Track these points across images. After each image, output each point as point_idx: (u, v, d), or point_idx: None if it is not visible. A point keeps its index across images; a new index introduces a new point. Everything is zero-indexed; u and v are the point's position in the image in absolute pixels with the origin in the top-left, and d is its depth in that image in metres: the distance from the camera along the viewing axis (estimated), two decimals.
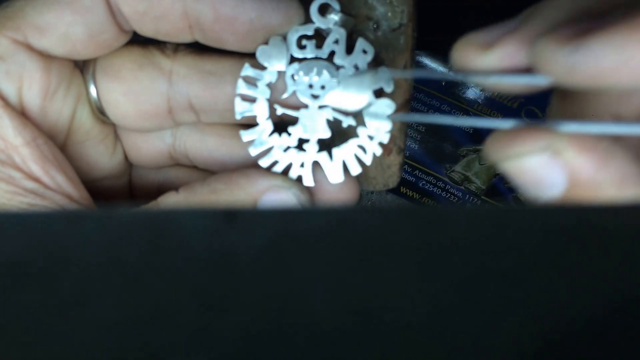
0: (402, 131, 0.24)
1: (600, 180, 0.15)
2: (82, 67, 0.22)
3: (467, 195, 0.36)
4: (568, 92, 0.18)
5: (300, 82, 0.21)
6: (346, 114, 0.21)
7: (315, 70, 0.21)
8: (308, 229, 0.10)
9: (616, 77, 0.14)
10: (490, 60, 0.16)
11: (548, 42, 0.14)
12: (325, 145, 0.21)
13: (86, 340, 0.08)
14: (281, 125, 0.22)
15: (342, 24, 0.21)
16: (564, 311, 0.09)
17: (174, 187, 0.25)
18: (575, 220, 0.11)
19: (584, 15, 0.15)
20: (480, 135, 0.38)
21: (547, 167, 0.15)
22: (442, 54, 0.37)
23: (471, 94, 0.38)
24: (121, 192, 0.26)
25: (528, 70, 0.16)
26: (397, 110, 0.22)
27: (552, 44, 0.14)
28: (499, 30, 0.16)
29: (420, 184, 0.36)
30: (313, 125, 0.21)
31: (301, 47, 0.21)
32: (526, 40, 0.16)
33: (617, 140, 0.16)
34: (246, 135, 0.22)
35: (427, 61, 0.38)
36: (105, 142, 0.24)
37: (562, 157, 0.15)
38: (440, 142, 0.37)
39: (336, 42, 0.21)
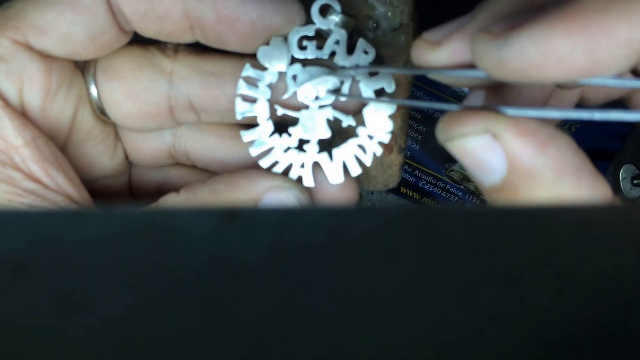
0: (403, 131, 0.24)
1: (538, 166, 0.15)
2: (83, 68, 0.22)
3: (467, 195, 0.36)
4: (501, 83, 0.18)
5: (302, 83, 0.21)
6: (346, 113, 0.21)
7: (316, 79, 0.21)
8: (308, 229, 0.10)
9: (541, 71, 0.14)
10: (440, 57, 0.17)
11: (481, 38, 0.14)
12: (326, 145, 0.21)
13: (86, 340, 0.08)
14: (282, 125, 0.22)
15: (343, 24, 0.21)
16: (564, 311, 0.09)
17: (174, 186, 0.25)
18: (576, 220, 0.11)
19: (525, 9, 0.15)
20: None
21: (487, 150, 0.15)
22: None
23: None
24: (121, 192, 0.26)
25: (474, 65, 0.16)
26: (397, 109, 0.22)
27: (484, 39, 0.14)
28: (450, 27, 0.17)
29: (420, 184, 0.36)
30: (313, 125, 0.21)
31: (302, 47, 0.21)
32: (470, 36, 0.16)
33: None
34: (247, 135, 0.22)
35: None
36: (106, 142, 0.24)
37: (501, 139, 0.15)
38: (440, 142, 0.37)
39: (337, 42, 0.21)
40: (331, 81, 0.21)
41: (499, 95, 0.18)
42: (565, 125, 0.31)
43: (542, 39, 0.13)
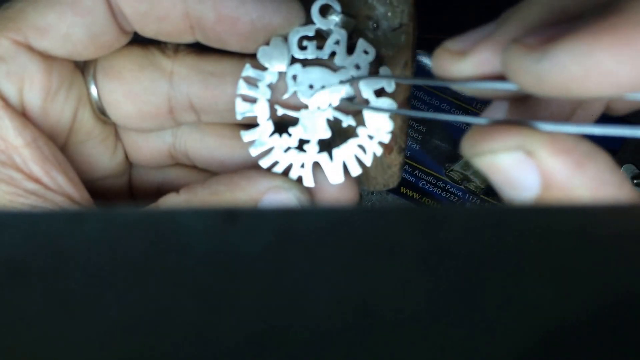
0: (403, 131, 0.24)
1: (575, 186, 0.14)
2: (83, 68, 0.22)
3: (467, 195, 0.36)
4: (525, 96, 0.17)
5: (302, 83, 0.21)
6: (346, 113, 0.21)
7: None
8: (309, 229, 0.10)
9: (583, 86, 0.13)
10: (465, 68, 0.16)
11: (515, 50, 0.14)
12: (326, 145, 0.21)
13: (86, 340, 0.08)
14: (282, 125, 0.22)
15: (343, 24, 0.21)
16: (565, 311, 0.09)
17: (174, 186, 0.25)
18: (576, 220, 0.11)
19: (558, 18, 0.14)
20: None
21: (520, 167, 0.14)
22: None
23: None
24: (121, 192, 0.26)
25: (503, 76, 0.15)
26: (397, 109, 0.22)
27: (519, 51, 0.14)
28: (475, 36, 0.16)
29: (420, 184, 0.36)
30: (313, 125, 0.21)
31: (302, 47, 0.21)
32: (499, 47, 0.15)
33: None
34: (247, 135, 0.22)
35: (427, 60, 0.38)
36: (106, 142, 0.24)
37: (535, 157, 0.14)
38: (439, 142, 0.37)
39: (337, 42, 0.21)
40: (345, 90, 0.21)
41: (523, 107, 0.17)
42: None
43: (584, 53, 0.12)
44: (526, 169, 0.14)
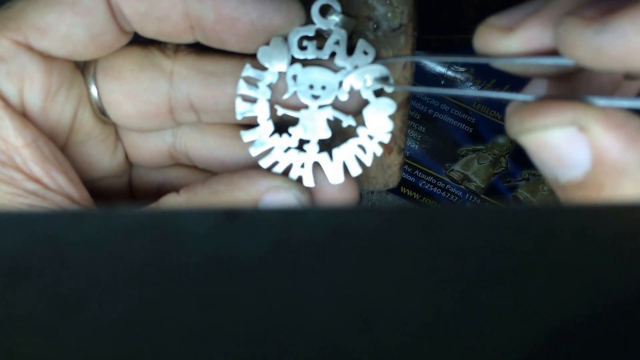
0: (403, 131, 0.24)
1: (627, 162, 0.14)
2: (83, 68, 0.22)
3: (467, 195, 0.36)
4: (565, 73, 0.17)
5: (302, 84, 0.21)
6: (346, 113, 0.21)
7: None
8: (309, 230, 0.10)
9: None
10: (513, 44, 0.15)
11: (572, 23, 0.14)
12: (326, 146, 0.22)
13: (86, 340, 0.08)
14: (282, 125, 0.22)
15: (343, 25, 0.21)
16: (565, 311, 0.09)
17: (174, 186, 0.25)
18: (575, 220, 0.11)
19: None
20: (479, 135, 0.38)
21: (571, 143, 0.14)
22: (442, 54, 0.37)
23: (470, 93, 0.38)
24: (121, 192, 0.26)
25: (552, 52, 0.15)
26: (397, 109, 0.22)
27: (576, 24, 0.13)
28: (521, 11, 0.16)
29: (420, 184, 0.36)
30: (313, 125, 0.21)
31: (302, 48, 0.21)
32: (549, 22, 0.15)
33: None
34: (247, 135, 0.22)
35: (426, 61, 0.38)
36: (106, 142, 0.24)
37: (588, 132, 0.14)
38: (439, 142, 0.37)
39: (337, 43, 0.21)
40: (378, 70, 0.21)
41: (563, 84, 0.17)
42: None
43: None
44: (578, 144, 0.14)
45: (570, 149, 0.14)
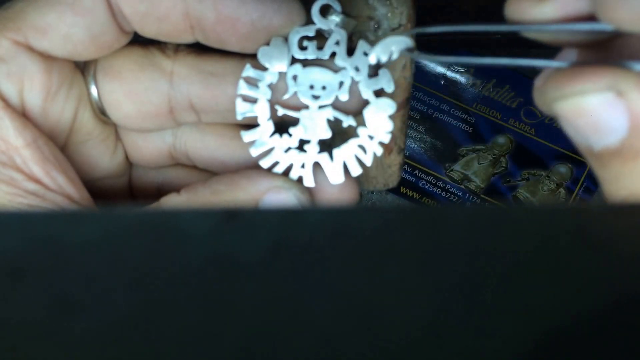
0: (402, 131, 0.24)
1: None
2: (83, 68, 0.22)
3: (467, 194, 0.36)
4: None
5: (302, 84, 0.21)
6: (346, 113, 0.21)
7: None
8: (309, 229, 0.10)
9: None
10: (547, 10, 0.15)
11: None
12: (326, 146, 0.22)
13: (85, 340, 0.08)
14: (282, 126, 0.22)
15: (344, 25, 0.21)
16: (565, 311, 0.09)
17: (174, 186, 0.25)
18: (576, 220, 0.11)
19: None
20: (479, 135, 0.38)
21: (609, 109, 0.14)
22: (442, 54, 0.37)
23: (470, 93, 0.38)
24: (121, 192, 0.26)
25: (589, 18, 0.15)
26: (397, 109, 0.22)
27: None
28: None
29: (420, 184, 0.36)
30: (314, 126, 0.21)
31: (302, 48, 0.21)
32: None
33: None
34: (247, 135, 0.22)
35: (426, 61, 0.38)
36: (106, 142, 0.24)
37: (627, 98, 0.14)
38: (439, 142, 0.37)
39: (337, 43, 0.21)
40: (404, 41, 0.20)
41: (595, 54, 0.17)
42: None
43: None
44: (616, 110, 0.14)
45: (608, 114, 0.14)
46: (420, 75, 0.38)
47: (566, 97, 0.15)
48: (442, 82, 0.38)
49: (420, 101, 0.38)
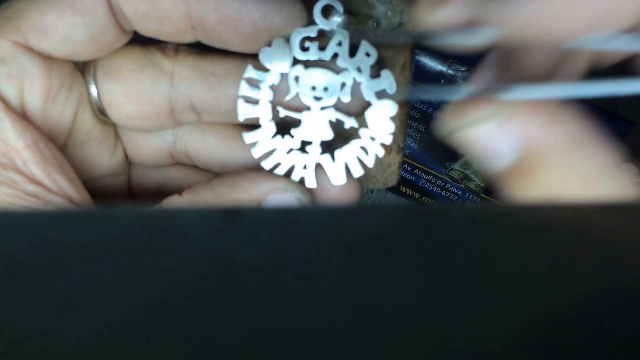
0: (402, 131, 0.24)
1: (548, 143, 0.15)
2: (82, 68, 0.22)
3: (467, 194, 0.36)
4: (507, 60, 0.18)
5: (304, 85, 0.21)
6: (348, 114, 0.21)
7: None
8: (308, 228, 0.10)
9: (547, 24, 0.14)
10: (442, 16, 0.16)
11: None
12: (328, 147, 0.21)
13: (84, 340, 0.08)
14: (284, 127, 0.22)
15: (345, 25, 0.21)
16: (565, 310, 0.09)
17: (174, 186, 0.25)
18: (576, 219, 0.11)
19: None
20: None
21: (495, 136, 0.15)
22: (441, 53, 0.37)
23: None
24: (120, 191, 0.26)
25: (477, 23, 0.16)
26: (397, 110, 0.22)
27: None
28: None
29: (420, 183, 0.36)
30: (315, 127, 0.21)
31: (304, 49, 0.21)
32: None
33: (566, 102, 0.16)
34: (249, 137, 0.22)
35: (426, 60, 0.38)
36: (106, 142, 0.24)
37: (511, 122, 0.15)
38: (439, 141, 0.37)
39: (339, 44, 0.21)
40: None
41: (507, 66, 0.18)
42: None
43: None
44: (501, 136, 0.15)
45: (495, 141, 0.15)
46: (420, 74, 0.38)
47: (459, 128, 0.16)
48: (442, 81, 0.38)
49: (420, 100, 0.38)
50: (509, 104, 0.15)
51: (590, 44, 0.15)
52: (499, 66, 0.18)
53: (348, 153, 0.21)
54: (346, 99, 0.21)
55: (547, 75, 0.19)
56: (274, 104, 0.21)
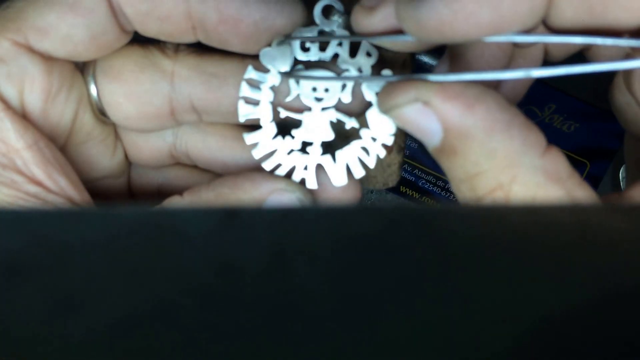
0: (403, 130, 0.24)
1: (468, 126, 0.16)
2: (82, 69, 0.22)
3: None
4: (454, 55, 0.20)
5: (305, 86, 0.21)
6: (349, 115, 0.21)
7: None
8: (308, 229, 0.10)
9: (452, 29, 0.15)
10: (374, 22, 0.18)
11: (403, 0, 0.16)
12: (329, 147, 0.21)
13: (85, 339, 0.08)
14: (284, 127, 0.21)
15: (346, 25, 0.21)
16: (565, 310, 0.09)
17: (174, 186, 0.25)
18: (575, 220, 0.11)
19: None
20: None
21: (421, 116, 0.16)
22: (441, 52, 0.37)
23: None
24: (121, 192, 0.26)
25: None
26: None
27: (405, 1, 0.16)
28: None
29: (420, 183, 0.36)
30: (316, 128, 0.21)
31: (305, 49, 0.21)
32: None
33: (493, 88, 0.17)
34: (249, 137, 0.22)
35: (426, 59, 0.38)
36: (106, 142, 0.24)
37: (431, 105, 0.16)
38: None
39: (340, 44, 0.21)
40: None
41: (460, 61, 0.20)
42: (564, 125, 0.32)
43: None
44: (427, 117, 0.16)
45: (423, 121, 0.16)
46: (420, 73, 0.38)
47: (390, 109, 0.17)
48: None
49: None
50: (429, 87, 0.16)
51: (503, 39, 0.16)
52: (453, 62, 0.20)
53: (349, 154, 0.21)
54: (347, 99, 0.21)
55: (501, 65, 0.20)
56: (275, 105, 0.21)
